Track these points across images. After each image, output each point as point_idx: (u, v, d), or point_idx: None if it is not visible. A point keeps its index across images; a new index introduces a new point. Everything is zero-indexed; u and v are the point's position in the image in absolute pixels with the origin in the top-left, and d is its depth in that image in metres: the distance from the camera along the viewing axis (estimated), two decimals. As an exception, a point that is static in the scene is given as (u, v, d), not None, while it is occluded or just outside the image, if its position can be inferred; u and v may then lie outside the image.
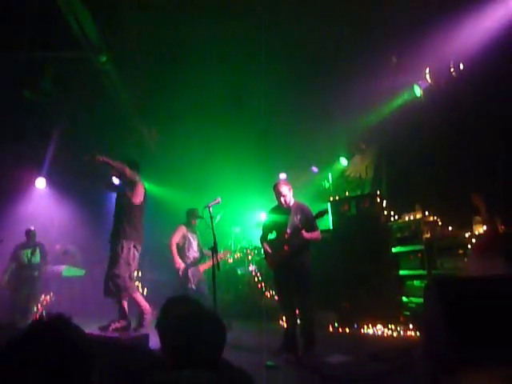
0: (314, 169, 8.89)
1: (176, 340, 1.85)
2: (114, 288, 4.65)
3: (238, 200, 4.81)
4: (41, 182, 8.14)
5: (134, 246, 4.77)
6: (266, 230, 4.73)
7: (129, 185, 4.84)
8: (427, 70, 6.19)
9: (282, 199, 4.56)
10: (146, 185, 7.51)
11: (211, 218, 4.49)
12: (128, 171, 4.78)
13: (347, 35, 5.97)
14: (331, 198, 6.84)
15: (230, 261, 8.00)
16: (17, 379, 1.12)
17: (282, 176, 9.16)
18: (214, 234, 4.33)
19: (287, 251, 4.37)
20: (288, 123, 7.91)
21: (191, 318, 1.93)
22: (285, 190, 4.58)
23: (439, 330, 2.30)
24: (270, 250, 4.56)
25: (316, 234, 4.51)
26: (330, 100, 6.93)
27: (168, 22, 5.94)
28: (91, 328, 4.45)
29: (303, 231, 4.32)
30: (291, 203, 4.61)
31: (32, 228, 7.23)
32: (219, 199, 4.71)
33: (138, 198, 4.83)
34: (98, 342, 3.60)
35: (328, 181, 8.44)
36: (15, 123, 6.93)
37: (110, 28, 5.96)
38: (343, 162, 8.46)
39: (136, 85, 7.35)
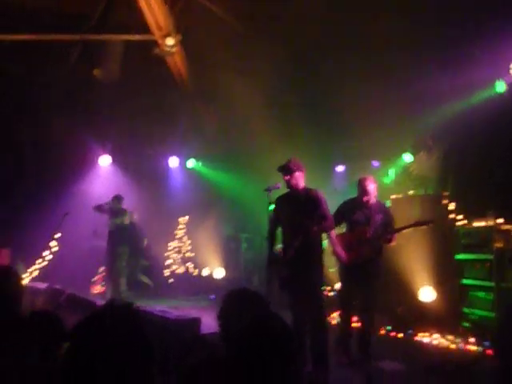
0: (375, 163, 8.51)
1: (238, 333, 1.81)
2: None
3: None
4: (105, 160, 8.45)
5: None
6: (337, 221, 4.37)
7: None
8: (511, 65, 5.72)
9: (365, 198, 4.25)
10: (206, 170, 7.81)
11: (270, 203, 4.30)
12: None
13: (425, 25, 5.57)
14: (393, 196, 6.52)
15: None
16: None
17: (340, 169, 8.88)
18: None
19: (368, 252, 4.14)
20: (351, 115, 7.59)
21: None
22: (372, 188, 4.25)
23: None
24: (343, 245, 4.20)
25: (395, 238, 4.30)
26: (400, 94, 6.55)
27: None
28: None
29: (390, 235, 4.16)
30: (372, 201, 4.31)
31: None
32: (280, 184, 4.50)
33: None
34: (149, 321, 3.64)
35: (389, 177, 8.05)
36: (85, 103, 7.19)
37: (177, 10, 5.97)
38: (407, 158, 7.99)
39: (199, 68, 7.35)
